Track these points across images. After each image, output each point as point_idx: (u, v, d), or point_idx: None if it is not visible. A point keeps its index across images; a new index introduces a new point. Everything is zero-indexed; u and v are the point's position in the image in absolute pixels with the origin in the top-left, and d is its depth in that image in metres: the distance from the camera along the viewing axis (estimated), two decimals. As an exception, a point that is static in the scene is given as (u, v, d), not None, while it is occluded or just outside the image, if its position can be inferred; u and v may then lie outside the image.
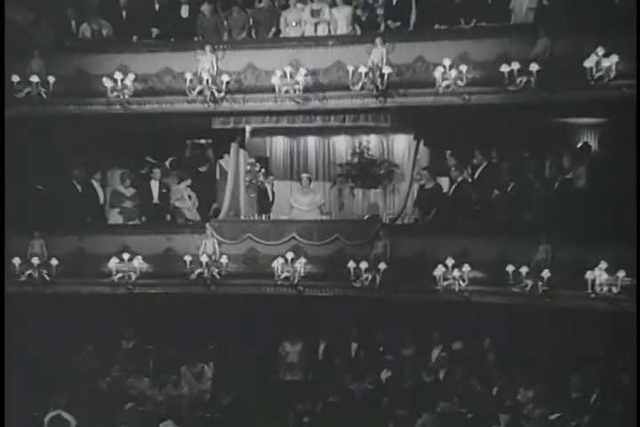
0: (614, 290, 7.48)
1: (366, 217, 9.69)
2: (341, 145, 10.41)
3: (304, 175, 9.36)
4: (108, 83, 8.60)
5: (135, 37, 9.21)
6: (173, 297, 8.86)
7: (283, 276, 8.48)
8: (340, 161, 10.34)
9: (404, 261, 8.41)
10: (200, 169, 9.67)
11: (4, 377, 7.25)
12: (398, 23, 8.63)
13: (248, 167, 9.71)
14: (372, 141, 10.27)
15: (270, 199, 9.64)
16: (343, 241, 8.68)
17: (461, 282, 8.14)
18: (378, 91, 8.21)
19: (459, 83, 8.01)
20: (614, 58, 7.41)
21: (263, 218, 9.24)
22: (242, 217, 9.38)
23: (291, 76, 8.30)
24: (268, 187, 9.71)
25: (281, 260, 8.52)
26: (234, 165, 9.41)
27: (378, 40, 8.30)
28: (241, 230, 8.88)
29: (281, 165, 10.43)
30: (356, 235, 8.66)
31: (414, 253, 8.46)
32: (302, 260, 8.53)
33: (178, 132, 9.40)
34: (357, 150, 10.25)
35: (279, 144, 10.49)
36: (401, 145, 10.18)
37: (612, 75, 7.43)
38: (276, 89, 8.36)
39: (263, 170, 9.93)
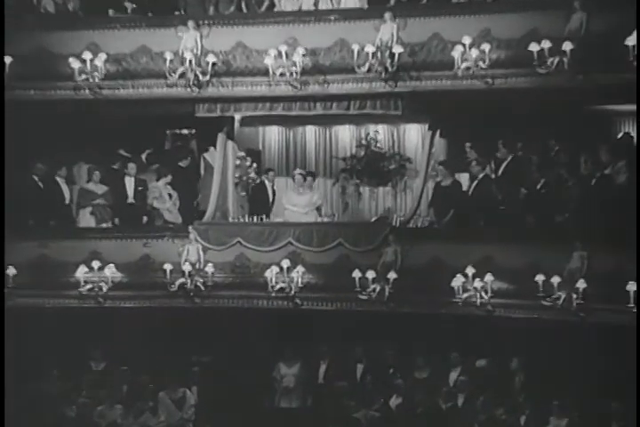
0: (661, 304, 7.41)
1: (374, 219, 9.71)
2: (345, 136, 10.41)
3: (297, 172, 9.34)
4: (75, 64, 8.53)
5: (107, 12, 9.21)
6: (151, 312, 8.83)
7: (277, 287, 8.42)
8: (343, 154, 10.36)
9: (418, 269, 8.38)
10: (182, 164, 9.71)
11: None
12: (411, -5, 8.82)
13: (237, 162, 9.67)
14: (381, 132, 10.28)
15: (270, 199, 9.62)
16: (347, 247, 8.64)
17: (483, 294, 8.09)
18: (387, 73, 8.21)
19: (480, 64, 8.00)
20: (660, 35, 7.50)
21: (255, 220, 9.23)
22: (230, 219, 9.35)
23: (287, 57, 8.29)
24: (268, 184, 9.68)
25: (275, 268, 8.47)
26: (221, 160, 9.39)
27: (387, 15, 8.28)
28: (229, 234, 8.85)
29: (275, 159, 10.40)
30: (361, 240, 8.62)
31: (429, 260, 8.42)
32: (300, 268, 8.50)
33: (156, 121, 9.38)
34: (364, 142, 10.26)
35: (273, 135, 10.48)
36: (414, 136, 10.18)
37: (658, 55, 7.39)
38: (270, 71, 8.37)
39: (255, 165, 9.90)
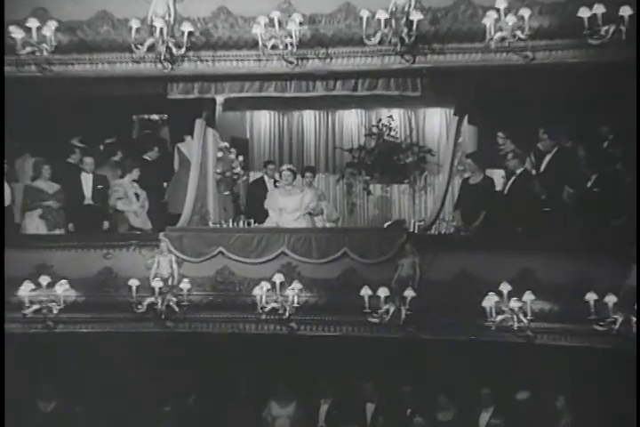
0: None
1: (387, 224, 9.79)
2: (352, 123, 10.47)
3: (285, 167, 9.30)
4: (17, 34, 8.43)
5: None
6: (113, 338, 8.78)
7: (268, 308, 8.38)
8: (349, 145, 10.42)
9: (441, 286, 8.35)
10: (151, 156, 9.77)
11: None
12: (432, -53, 8.76)
13: (220, 154, 9.70)
14: (396, 117, 10.33)
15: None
16: (354, 258, 8.62)
17: (522, 317, 8.05)
18: (403, 46, 8.16)
19: (518, 34, 7.91)
20: None
21: (241, 225, 9.26)
22: (210, 224, 9.38)
23: (280, 25, 8.24)
24: (269, 181, 9.73)
25: (266, 285, 8.43)
26: (199, 151, 9.41)
27: (403, -28, 8.34)
28: (209, 243, 8.83)
29: (266, 150, 10.43)
30: (372, 249, 8.59)
31: (455, 275, 8.40)
32: (296, 285, 8.46)
33: (119, 104, 9.35)
34: (374, 130, 10.30)
35: (263, 121, 10.54)
36: (436, 123, 10.25)
37: None
38: (260, 43, 8.31)
39: (241, 158, 9.87)
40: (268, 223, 9.22)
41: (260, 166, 10.17)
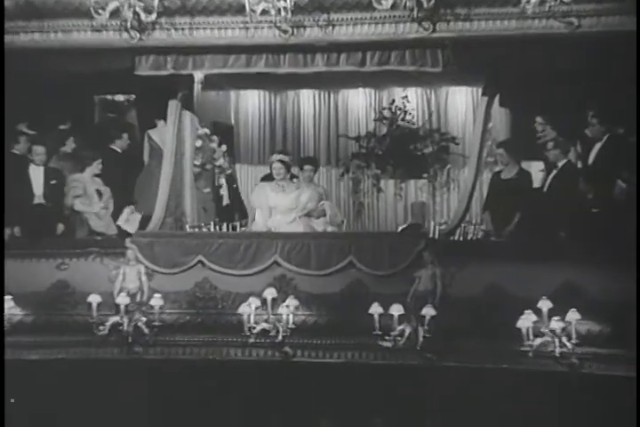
0: None
1: (402, 228, 9.74)
2: (359, 105, 10.59)
3: (276, 157, 9.28)
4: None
5: None
6: (69, 366, 8.73)
7: (258, 329, 8.33)
8: (355, 132, 10.55)
9: (467, 303, 8.35)
10: (116, 146, 9.81)
11: None
12: None
13: (199, 143, 9.81)
14: (412, 98, 10.44)
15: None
16: (361, 269, 8.63)
17: (565, 340, 7.97)
18: (421, 11, 8.17)
19: None
20: None
21: (225, 229, 9.38)
22: (188, 228, 9.50)
23: None
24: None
25: (255, 301, 8.41)
26: (174, 139, 9.40)
27: None
28: (186, 251, 8.84)
29: (255, 138, 10.57)
30: (383, 259, 8.59)
31: (484, 289, 8.41)
32: (291, 301, 8.44)
33: (77, 81, 9.35)
34: (386, 114, 10.40)
35: (252, 103, 10.69)
36: (461, 105, 10.38)
37: None
38: (247, 8, 8.34)
39: (224, 147, 9.92)
40: (255, 226, 9.23)
41: (249, 158, 10.31)
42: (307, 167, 9.49)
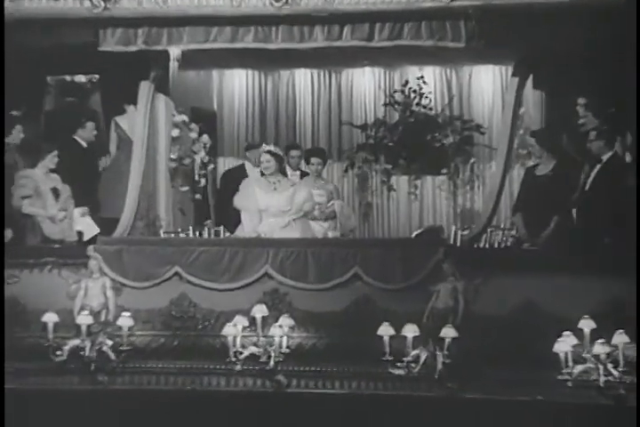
0: None
1: (416, 234, 9.77)
2: (366, 87, 10.66)
3: (265, 148, 9.35)
4: None
5: None
6: (19, 398, 8.49)
7: (246, 354, 8.29)
8: (362, 119, 10.59)
9: (494, 323, 8.33)
10: (77, 135, 9.90)
11: None
12: None
13: (175, 132, 9.91)
14: (429, 79, 10.49)
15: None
16: (369, 282, 8.64)
17: (611, 367, 7.86)
18: None
19: None
20: None
21: (206, 235, 9.51)
22: (162, 233, 9.63)
23: None
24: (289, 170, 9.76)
25: (242, 321, 8.39)
26: (145, 128, 9.48)
27: None
28: (160, 261, 8.87)
29: (242, 126, 10.67)
30: (394, 270, 8.60)
31: (514, 307, 8.40)
32: (285, 321, 8.41)
33: (29, 58, 9.31)
34: (399, 97, 10.41)
35: (238, 85, 10.77)
36: (487, 86, 10.42)
37: None
38: None
39: (206, 137, 10.01)
40: (243, 231, 9.27)
41: (233, 151, 10.34)
42: (314, 160, 9.55)
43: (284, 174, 9.43)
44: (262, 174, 9.45)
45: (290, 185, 9.23)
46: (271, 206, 9.11)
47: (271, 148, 9.27)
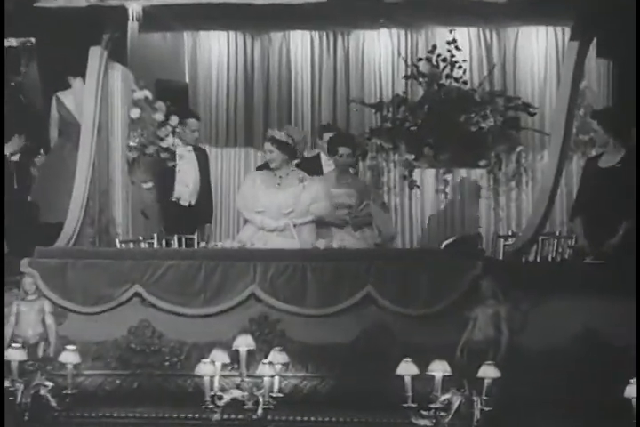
0: None
1: (446, 243, 9.88)
2: (380, 54, 10.79)
3: (270, 133, 9.42)
4: None
5: None
6: None
7: (226, 399, 8.35)
8: (376, 97, 10.72)
9: (548, 358, 8.36)
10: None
11: None
12: None
13: (135, 112, 10.07)
14: (464, 44, 10.59)
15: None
16: (385, 306, 8.68)
17: None
18: None
19: None
20: None
21: (176, 245, 9.60)
22: (118, 243, 9.81)
23: None
24: (326, 163, 10.08)
25: (222, 357, 8.43)
26: (96, 107, 9.64)
27: None
28: (115, 279, 8.93)
29: (222, 105, 10.82)
30: (417, 291, 8.64)
31: (573, 337, 8.44)
32: (277, 356, 8.45)
33: None
34: (423, 68, 10.50)
35: (218, 51, 10.94)
36: (538, 54, 10.54)
37: None
38: None
39: (175, 118, 10.11)
40: (235, 241, 9.42)
41: (211, 137, 10.41)
42: (342, 151, 9.58)
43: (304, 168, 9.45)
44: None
45: (299, 181, 9.28)
46: (270, 207, 9.23)
47: (275, 133, 9.28)
